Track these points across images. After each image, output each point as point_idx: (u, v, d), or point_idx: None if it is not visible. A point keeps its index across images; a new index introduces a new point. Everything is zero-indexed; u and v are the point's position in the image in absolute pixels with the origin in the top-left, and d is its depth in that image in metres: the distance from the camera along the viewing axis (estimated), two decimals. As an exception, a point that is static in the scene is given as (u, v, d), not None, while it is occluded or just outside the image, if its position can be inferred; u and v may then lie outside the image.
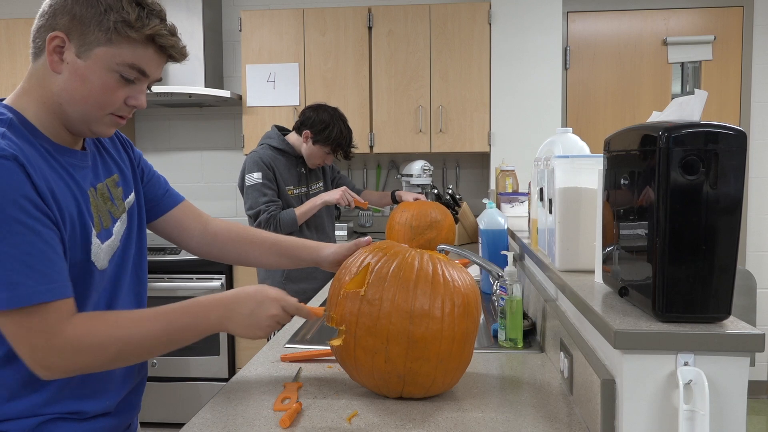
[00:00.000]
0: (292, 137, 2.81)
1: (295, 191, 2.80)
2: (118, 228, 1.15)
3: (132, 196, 1.22)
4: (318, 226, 2.86)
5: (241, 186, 2.74)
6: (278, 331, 1.19)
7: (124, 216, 1.18)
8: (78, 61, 1.00)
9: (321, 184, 2.96)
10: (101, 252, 1.09)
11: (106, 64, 1.00)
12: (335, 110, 2.79)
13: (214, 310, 1.10)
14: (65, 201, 1.01)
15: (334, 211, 3.02)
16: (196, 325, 1.08)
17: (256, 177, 2.68)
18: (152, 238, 3.96)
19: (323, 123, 2.71)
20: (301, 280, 2.79)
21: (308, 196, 2.86)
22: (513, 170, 3.00)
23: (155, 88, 3.68)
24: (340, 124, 2.73)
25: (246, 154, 3.85)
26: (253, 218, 2.67)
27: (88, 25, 0.98)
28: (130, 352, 1.03)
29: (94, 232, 1.07)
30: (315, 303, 2.18)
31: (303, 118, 2.77)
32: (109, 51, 1.00)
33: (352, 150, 2.84)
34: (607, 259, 1.13)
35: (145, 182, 1.30)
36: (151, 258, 3.56)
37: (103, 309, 1.13)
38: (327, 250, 1.44)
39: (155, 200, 1.33)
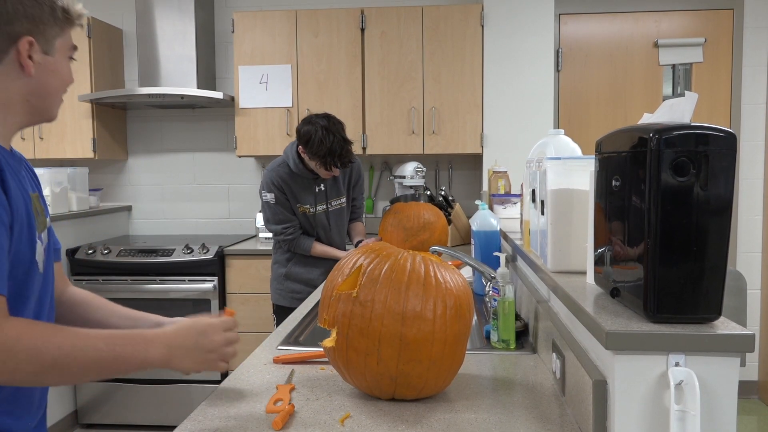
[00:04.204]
0: None
1: (311, 210, 2.78)
2: (45, 237, 1.13)
3: (49, 220, 1.19)
4: (333, 227, 2.89)
5: (260, 193, 2.82)
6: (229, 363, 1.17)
7: (46, 231, 1.16)
8: (47, 57, 1.06)
9: (343, 200, 2.90)
10: (41, 253, 1.08)
11: (63, 52, 1.09)
12: (322, 118, 2.63)
13: (154, 346, 1.06)
14: (17, 199, 1.01)
15: (348, 213, 2.99)
16: (135, 357, 1.03)
17: (269, 197, 2.74)
18: (144, 240, 3.95)
19: (307, 135, 2.59)
20: (300, 279, 2.84)
21: (327, 213, 2.83)
22: (505, 172, 3.01)
23: (147, 89, 3.68)
24: (321, 133, 2.56)
25: (239, 156, 3.87)
26: (273, 233, 2.81)
27: (46, 22, 1.05)
28: (66, 365, 0.96)
29: (36, 233, 1.07)
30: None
31: (297, 133, 2.67)
32: (62, 40, 1.09)
33: (347, 158, 2.64)
34: (598, 261, 1.14)
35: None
36: (142, 260, 3.55)
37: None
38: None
39: None
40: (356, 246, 2.99)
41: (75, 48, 1.13)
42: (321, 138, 2.56)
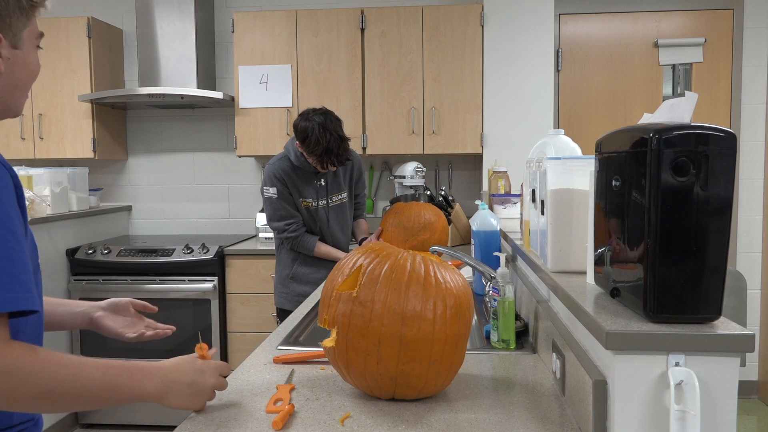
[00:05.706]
0: None
1: (313, 204, 2.77)
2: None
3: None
4: (334, 223, 2.87)
5: (262, 190, 2.80)
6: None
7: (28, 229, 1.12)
8: (16, 51, 1.01)
9: (344, 194, 2.88)
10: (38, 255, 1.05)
11: (31, 42, 1.03)
12: (320, 114, 2.60)
13: (151, 379, 1.04)
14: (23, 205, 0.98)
15: (351, 209, 2.97)
16: (131, 389, 1.01)
17: (271, 192, 2.72)
18: (144, 240, 3.94)
19: (304, 133, 2.58)
20: (307, 281, 2.82)
21: (328, 207, 2.81)
22: (505, 172, 3.01)
23: (147, 89, 3.68)
24: (318, 131, 2.54)
25: (239, 156, 3.87)
26: (276, 231, 2.79)
27: (12, 14, 0.99)
28: (61, 394, 0.94)
29: (31, 235, 1.04)
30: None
31: (294, 128, 2.66)
32: (29, 29, 1.03)
33: (344, 156, 2.63)
34: (598, 261, 1.14)
35: None
36: (142, 260, 3.55)
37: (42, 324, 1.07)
38: (95, 312, 1.31)
39: None
40: (360, 244, 2.99)
41: (41, 35, 1.06)
42: (318, 137, 2.55)
